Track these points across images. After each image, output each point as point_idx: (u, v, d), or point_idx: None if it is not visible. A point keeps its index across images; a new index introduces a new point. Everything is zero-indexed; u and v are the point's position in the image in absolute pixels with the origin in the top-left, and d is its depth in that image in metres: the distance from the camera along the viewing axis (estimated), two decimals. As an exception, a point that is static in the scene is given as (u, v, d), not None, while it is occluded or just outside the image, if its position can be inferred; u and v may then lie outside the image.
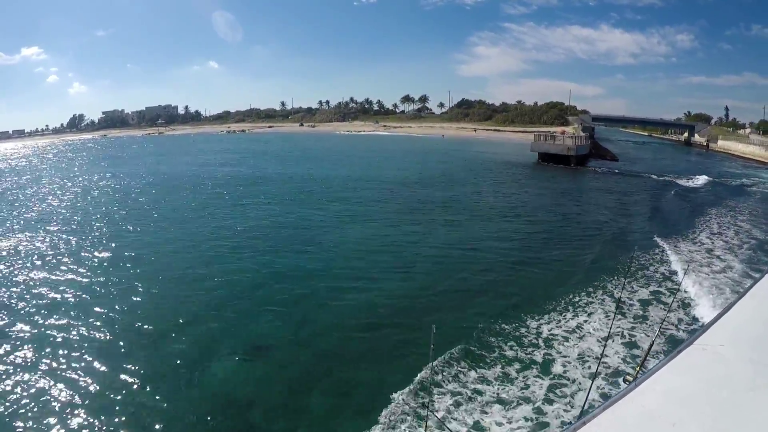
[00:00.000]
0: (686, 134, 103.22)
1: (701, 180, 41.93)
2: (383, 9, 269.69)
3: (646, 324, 12.62)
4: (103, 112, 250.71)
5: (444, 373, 10.06)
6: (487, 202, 30.60)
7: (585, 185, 39.67)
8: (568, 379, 10.03)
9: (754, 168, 56.35)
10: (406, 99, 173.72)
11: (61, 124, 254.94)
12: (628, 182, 41.24)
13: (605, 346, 9.38)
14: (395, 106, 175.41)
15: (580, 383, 9.85)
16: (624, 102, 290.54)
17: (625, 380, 4.24)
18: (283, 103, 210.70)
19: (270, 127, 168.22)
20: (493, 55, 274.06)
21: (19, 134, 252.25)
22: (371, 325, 12.80)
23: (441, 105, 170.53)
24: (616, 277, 16.37)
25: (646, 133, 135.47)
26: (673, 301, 13.45)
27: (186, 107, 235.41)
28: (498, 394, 9.54)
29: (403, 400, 9.27)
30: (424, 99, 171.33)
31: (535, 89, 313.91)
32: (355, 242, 20.91)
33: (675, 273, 16.63)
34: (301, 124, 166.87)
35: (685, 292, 14.58)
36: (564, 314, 13.48)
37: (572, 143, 48.96)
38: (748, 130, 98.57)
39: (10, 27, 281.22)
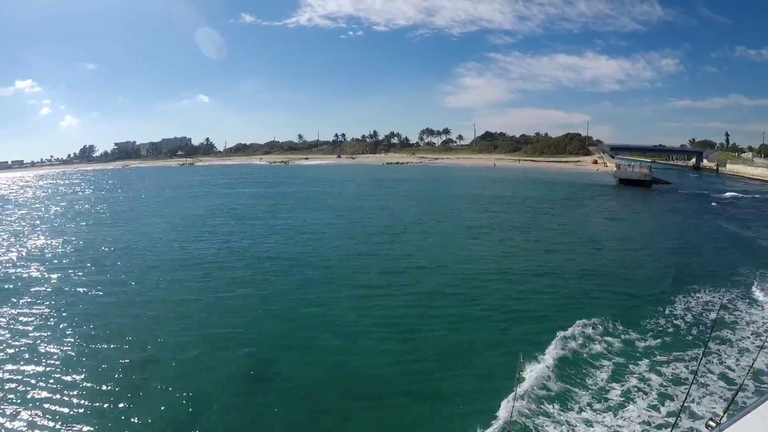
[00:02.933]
0: (694, 160, 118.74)
1: (742, 195, 56.49)
2: (370, 42, 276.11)
3: (737, 365, 12.20)
4: (116, 144, 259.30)
5: (527, 402, 10.22)
6: (597, 220, 37.73)
7: (666, 205, 47.83)
8: (650, 417, 9.99)
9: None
10: (428, 132, 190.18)
11: (69, 155, 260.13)
12: (692, 200, 52.12)
13: (690, 384, 9.19)
14: (421, 138, 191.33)
15: (661, 422, 9.75)
16: (610, 128, 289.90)
17: (707, 425, 3.93)
18: (300, 136, 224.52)
19: (306, 158, 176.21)
20: (480, 86, 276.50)
21: (19, 165, 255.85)
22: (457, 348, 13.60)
23: (460, 137, 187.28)
24: (704, 308, 16.24)
25: (649, 160, 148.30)
26: (765, 341, 12.89)
27: (207, 139, 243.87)
28: (581, 425, 9.73)
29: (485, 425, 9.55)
30: (447, 131, 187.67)
31: (523, 119, 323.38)
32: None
33: None
34: (339, 156, 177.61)
35: None
36: (649, 343, 13.53)
37: (648, 171, 64.26)
38: (749, 154, 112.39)
39: (5, 60, 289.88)
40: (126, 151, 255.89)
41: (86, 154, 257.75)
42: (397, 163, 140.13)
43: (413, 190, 63.41)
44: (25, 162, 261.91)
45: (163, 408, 10.84)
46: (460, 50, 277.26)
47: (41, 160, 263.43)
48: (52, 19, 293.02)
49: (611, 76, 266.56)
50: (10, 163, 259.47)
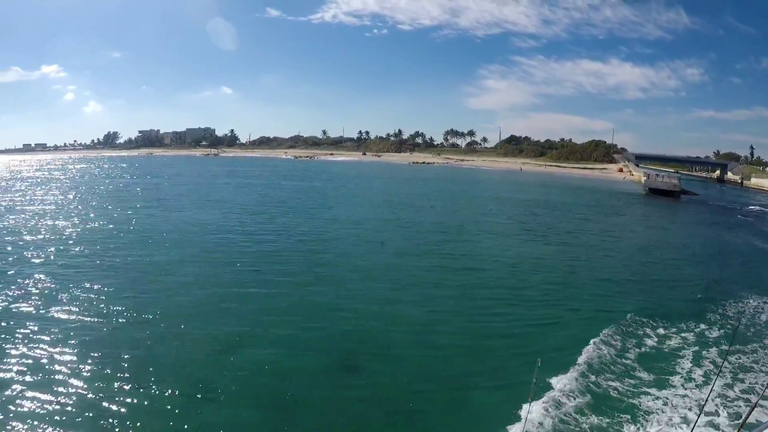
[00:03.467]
0: (718, 172, 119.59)
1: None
2: (394, 41, 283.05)
3: (755, 379, 12.21)
4: (140, 131, 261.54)
5: (543, 410, 10.29)
6: (629, 226, 40.07)
7: (697, 216, 50.03)
8: (666, 428, 10.00)
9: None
10: (453, 133, 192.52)
11: (92, 141, 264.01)
12: (720, 212, 54.19)
13: (707, 398, 9.29)
14: (446, 139, 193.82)
15: None
16: (632, 136, 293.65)
17: None
18: (324, 132, 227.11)
19: (331, 154, 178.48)
20: (503, 89, 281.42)
21: (42, 148, 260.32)
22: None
23: (484, 139, 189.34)
24: (726, 320, 16.56)
25: (672, 170, 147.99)
26: None
27: (232, 131, 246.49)
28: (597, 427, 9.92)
29: None
30: (471, 133, 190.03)
31: (544, 124, 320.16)
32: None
33: None
34: (363, 153, 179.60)
35: None
36: (668, 354, 13.74)
37: (677, 182, 66.37)
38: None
39: (32, 45, 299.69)
40: (150, 139, 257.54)
41: (110, 141, 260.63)
42: (423, 162, 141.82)
43: (449, 191, 65.99)
44: (48, 145, 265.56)
45: (255, 403, 11.06)
46: (483, 52, 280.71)
47: (65, 144, 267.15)
48: (79, 6, 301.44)
49: (635, 83, 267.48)
50: (33, 146, 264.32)
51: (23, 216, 36.13)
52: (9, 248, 25.04)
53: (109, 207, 41.83)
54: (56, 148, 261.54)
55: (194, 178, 79.48)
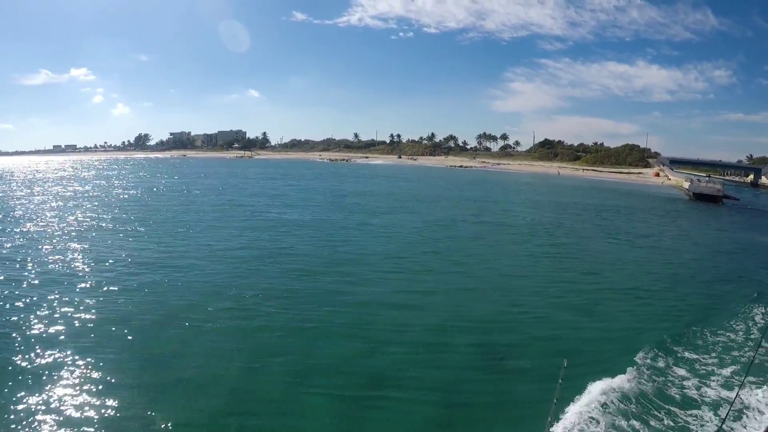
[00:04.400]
0: (752, 176, 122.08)
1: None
2: (420, 43, 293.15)
3: None
4: (171, 133, 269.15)
5: (569, 413, 10.23)
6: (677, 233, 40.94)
7: (744, 221, 52.48)
8: None
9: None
10: (486, 137, 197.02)
11: (123, 143, 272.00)
12: (765, 216, 57.28)
13: (730, 406, 9.51)
14: (479, 142, 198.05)
15: None
16: (659, 139, 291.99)
17: None
18: (356, 135, 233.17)
19: (366, 157, 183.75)
20: (528, 91, 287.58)
21: (72, 149, 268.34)
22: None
23: (517, 143, 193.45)
24: (755, 330, 16.63)
25: (704, 174, 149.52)
26: None
27: (264, 133, 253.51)
28: None
29: None
30: (504, 137, 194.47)
31: (570, 127, 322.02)
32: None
33: None
34: (399, 156, 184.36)
35: None
36: (699, 357, 13.95)
37: (721, 187, 70.17)
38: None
39: (62, 48, 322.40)
40: (181, 141, 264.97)
41: (141, 142, 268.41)
42: (461, 166, 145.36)
43: (510, 193, 69.96)
44: (78, 147, 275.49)
45: (422, 398, 11.53)
46: (509, 54, 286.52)
47: (95, 145, 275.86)
48: (108, 9, 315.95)
49: (662, 86, 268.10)
50: (63, 147, 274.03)
51: (113, 214, 39.71)
52: (123, 243, 27.47)
53: (191, 208, 44.52)
54: (86, 150, 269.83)
55: (249, 180, 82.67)
